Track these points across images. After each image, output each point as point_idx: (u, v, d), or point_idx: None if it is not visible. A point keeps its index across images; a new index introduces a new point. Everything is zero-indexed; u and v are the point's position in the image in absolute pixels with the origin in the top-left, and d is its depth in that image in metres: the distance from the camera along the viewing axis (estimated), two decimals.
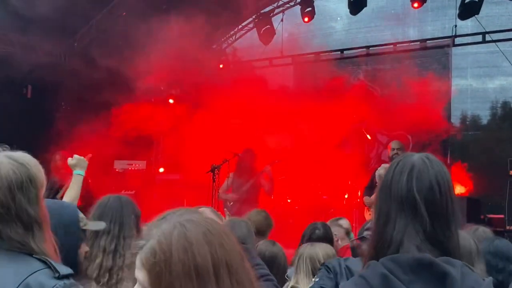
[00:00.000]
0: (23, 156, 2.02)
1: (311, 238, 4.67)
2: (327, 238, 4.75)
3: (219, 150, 9.93)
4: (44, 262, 1.87)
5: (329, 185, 11.40)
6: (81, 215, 2.55)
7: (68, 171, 9.22)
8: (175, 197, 11.05)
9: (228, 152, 9.39)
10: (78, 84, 10.96)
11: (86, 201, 4.07)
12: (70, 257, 2.24)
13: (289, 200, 11.45)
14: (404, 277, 1.67)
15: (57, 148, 9.47)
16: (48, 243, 1.97)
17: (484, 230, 3.33)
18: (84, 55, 10.96)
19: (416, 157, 1.86)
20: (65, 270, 1.87)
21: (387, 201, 1.81)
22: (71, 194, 3.93)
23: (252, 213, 5.35)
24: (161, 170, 13.01)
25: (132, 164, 11.80)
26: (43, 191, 2.02)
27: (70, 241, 2.34)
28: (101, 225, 2.89)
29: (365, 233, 2.55)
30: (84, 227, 2.56)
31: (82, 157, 4.13)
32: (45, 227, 1.99)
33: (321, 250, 3.77)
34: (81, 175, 4.09)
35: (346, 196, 11.23)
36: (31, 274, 1.81)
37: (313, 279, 3.25)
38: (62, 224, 2.33)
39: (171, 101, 13.71)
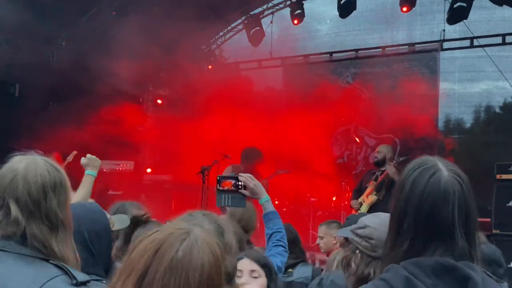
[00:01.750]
0: (55, 163, 2.08)
1: None
2: (296, 237, 4.81)
3: (209, 151, 9.91)
4: (61, 268, 1.86)
5: (317, 187, 11.43)
6: (108, 216, 2.55)
7: None
8: (163, 198, 11.00)
9: (217, 154, 9.37)
10: (66, 83, 10.88)
11: None
12: (104, 262, 2.25)
13: (276, 202, 11.43)
14: (428, 280, 1.67)
15: (44, 148, 9.41)
16: (69, 248, 1.98)
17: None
18: (73, 55, 10.89)
19: (450, 176, 1.81)
20: (82, 277, 1.86)
21: (428, 228, 1.77)
22: (82, 193, 3.87)
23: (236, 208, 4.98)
24: (149, 170, 12.95)
25: (119, 165, 11.72)
26: (70, 198, 2.06)
27: (105, 246, 2.36)
28: (126, 221, 2.88)
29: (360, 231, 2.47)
30: (113, 229, 2.56)
31: (94, 156, 4.06)
32: (68, 232, 2.01)
33: None
34: (93, 175, 4.01)
35: (334, 199, 11.27)
36: (48, 281, 1.80)
37: None
38: (96, 231, 2.35)
39: (159, 101, 13.68)
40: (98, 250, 2.21)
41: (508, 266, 8.23)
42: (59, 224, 1.96)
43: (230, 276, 2.17)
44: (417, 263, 1.71)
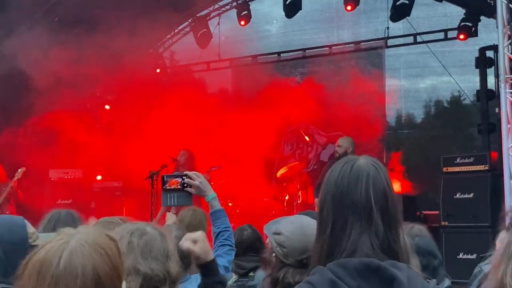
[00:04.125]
0: None
1: (243, 240, 4.68)
2: (258, 238, 4.80)
3: (158, 156, 9.81)
4: None
5: (270, 187, 11.46)
6: (30, 230, 2.47)
7: (2, 181, 8.95)
8: (114, 205, 10.83)
9: (166, 158, 9.28)
10: (9, 91, 10.57)
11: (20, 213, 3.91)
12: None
13: (230, 204, 11.41)
14: (353, 282, 1.66)
15: None
16: None
17: (419, 228, 3.39)
18: (13, 61, 10.58)
19: (365, 162, 1.84)
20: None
21: (343, 209, 1.78)
22: None
23: (185, 214, 4.90)
24: (99, 177, 12.71)
25: (68, 173, 11.46)
26: None
27: (18, 259, 2.28)
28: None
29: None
30: (33, 243, 2.47)
31: None
32: None
33: None
34: None
35: (287, 198, 11.30)
36: None
37: None
38: (11, 243, 2.32)
39: (107, 107, 13.45)
40: (12, 262, 2.15)
41: (457, 257, 8.46)
42: None
43: (173, 280, 2.19)
44: (343, 264, 1.71)
